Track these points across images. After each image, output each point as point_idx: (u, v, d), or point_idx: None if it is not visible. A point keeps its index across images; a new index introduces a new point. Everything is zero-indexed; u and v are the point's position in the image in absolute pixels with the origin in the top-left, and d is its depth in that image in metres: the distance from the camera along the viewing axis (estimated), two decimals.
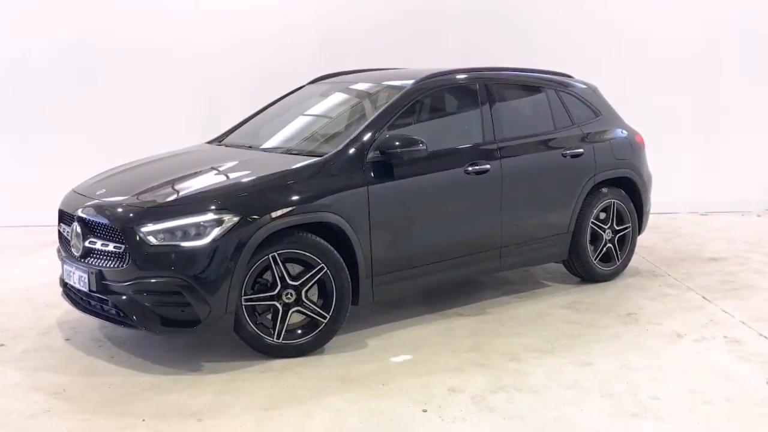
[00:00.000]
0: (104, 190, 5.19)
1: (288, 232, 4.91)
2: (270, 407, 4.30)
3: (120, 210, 4.85)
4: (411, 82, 5.77)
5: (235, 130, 6.30)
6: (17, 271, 7.21)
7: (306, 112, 6.12)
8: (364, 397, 4.40)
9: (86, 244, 4.95)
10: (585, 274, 6.53)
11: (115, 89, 9.16)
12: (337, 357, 5.03)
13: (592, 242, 6.51)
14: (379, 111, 5.51)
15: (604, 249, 6.58)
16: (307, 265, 4.96)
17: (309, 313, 4.98)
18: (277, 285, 4.88)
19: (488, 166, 5.73)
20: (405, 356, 5.06)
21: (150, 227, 4.69)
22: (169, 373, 4.79)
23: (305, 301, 4.96)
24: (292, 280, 4.91)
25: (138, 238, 4.67)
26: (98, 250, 4.88)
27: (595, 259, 6.50)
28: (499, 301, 6.16)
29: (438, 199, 5.55)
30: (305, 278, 4.94)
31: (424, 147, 5.29)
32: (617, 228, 6.64)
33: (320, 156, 5.21)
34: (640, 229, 6.89)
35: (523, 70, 6.52)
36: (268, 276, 4.91)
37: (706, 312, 5.84)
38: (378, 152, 5.27)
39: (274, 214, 4.81)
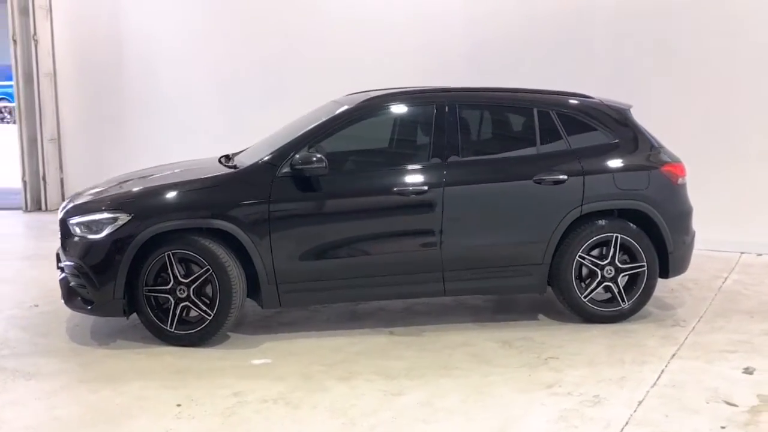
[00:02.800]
0: (82, 190, 6.29)
1: (182, 233, 5.53)
2: (83, 381, 5.04)
3: (66, 206, 5.90)
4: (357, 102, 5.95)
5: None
6: None
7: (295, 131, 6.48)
8: (157, 386, 4.90)
9: (60, 232, 6.10)
10: (577, 313, 6.04)
11: (302, 101, 10.26)
12: (213, 351, 5.54)
13: (587, 279, 5.98)
14: (304, 130, 5.82)
15: (599, 288, 5.99)
16: (201, 266, 5.54)
17: (196, 309, 5.55)
18: (171, 280, 5.53)
19: (425, 188, 5.70)
20: (266, 360, 5.39)
21: (74, 220, 5.67)
22: (86, 344, 5.74)
23: (193, 297, 5.53)
24: (185, 278, 5.53)
25: (68, 228, 5.69)
26: (60, 237, 6.00)
27: (585, 297, 5.96)
28: (454, 326, 6.03)
29: (353, 217, 5.69)
30: (193, 277, 5.51)
31: (323, 165, 5.52)
32: (622, 266, 5.99)
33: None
34: (666, 272, 6.10)
35: (512, 90, 6.21)
36: (169, 271, 5.58)
37: (636, 369, 5.15)
38: (290, 168, 5.62)
39: (161, 217, 5.47)
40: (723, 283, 7.19)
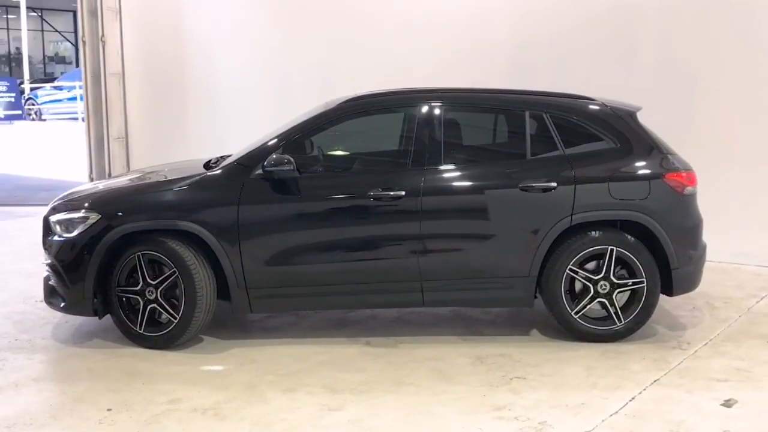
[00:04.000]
0: (75, 188, 6.34)
1: (151, 235, 5.48)
2: (35, 379, 5.07)
3: (51, 204, 5.96)
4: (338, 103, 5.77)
5: None
6: None
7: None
8: (101, 389, 4.85)
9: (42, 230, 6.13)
10: (567, 330, 5.64)
11: None
12: (175, 355, 5.45)
13: (581, 294, 5.59)
14: (280, 132, 5.67)
15: (593, 303, 5.58)
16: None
17: (162, 311, 5.49)
18: (140, 281, 5.50)
19: (402, 193, 5.45)
20: (222, 366, 5.27)
21: (54, 218, 5.71)
22: (62, 341, 5.78)
23: (160, 299, 5.48)
24: (153, 279, 5.48)
25: (48, 226, 5.74)
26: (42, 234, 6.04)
27: (576, 313, 5.56)
28: (435, 339, 5.75)
29: (327, 222, 5.51)
30: (161, 279, 5.46)
31: (291, 168, 5.36)
32: (618, 281, 5.56)
33: None
34: (670, 289, 5.63)
35: (503, 91, 5.87)
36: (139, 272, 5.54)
37: (604, 395, 4.72)
38: (262, 170, 5.49)
39: (128, 218, 5.44)
40: (756, 303, 6.58)
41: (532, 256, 5.49)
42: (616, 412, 4.49)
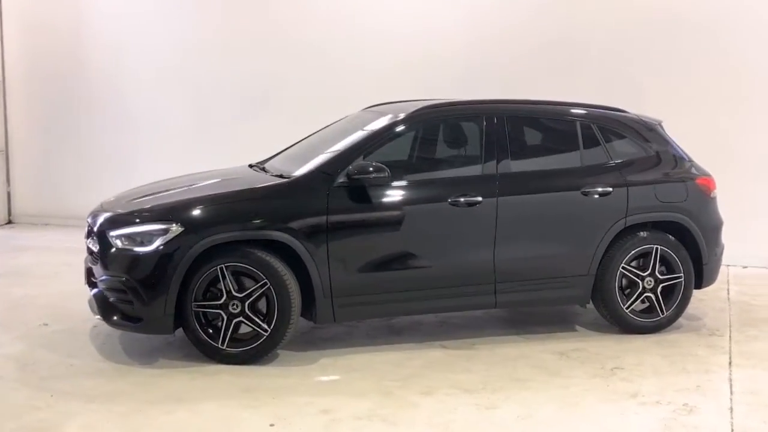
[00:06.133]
0: (112, 199, 5.93)
1: (237, 245, 5.26)
2: (150, 402, 4.73)
3: (101, 216, 5.54)
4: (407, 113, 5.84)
5: (279, 153, 6.65)
6: None
7: (334, 139, 6.31)
8: (234, 405, 4.65)
9: (88, 244, 5.71)
10: (617, 324, 6.07)
11: (283, 113, 9.98)
12: (271, 369, 5.30)
13: (626, 290, 6.02)
14: (357, 139, 5.67)
15: (641, 298, 6.04)
16: (256, 280, 5.27)
17: (251, 325, 5.28)
18: (223, 295, 5.24)
19: (479, 199, 5.61)
20: (333, 377, 5.18)
21: (116, 232, 5.31)
22: (126, 363, 5.39)
23: (248, 313, 5.26)
24: (238, 292, 5.25)
25: (107, 241, 5.33)
26: (91, 249, 5.61)
27: (627, 308, 5.99)
28: (501, 339, 5.97)
29: (410, 228, 5.56)
30: (249, 291, 5.25)
31: (386, 174, 5.39)
32: (661, 277, 6.06)
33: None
34: (701, 282, 6.22)
35: (555, 103, 6.25)
36: (222, 285, 5.28)
37: (705, 378, 5.20)
38: (346, 178, 5.44)
39: (215, 228, 5.19)
40: (728, 294, 7.39)
41: (592, 256, 5.89)
42: (733, 391, 4.96)
